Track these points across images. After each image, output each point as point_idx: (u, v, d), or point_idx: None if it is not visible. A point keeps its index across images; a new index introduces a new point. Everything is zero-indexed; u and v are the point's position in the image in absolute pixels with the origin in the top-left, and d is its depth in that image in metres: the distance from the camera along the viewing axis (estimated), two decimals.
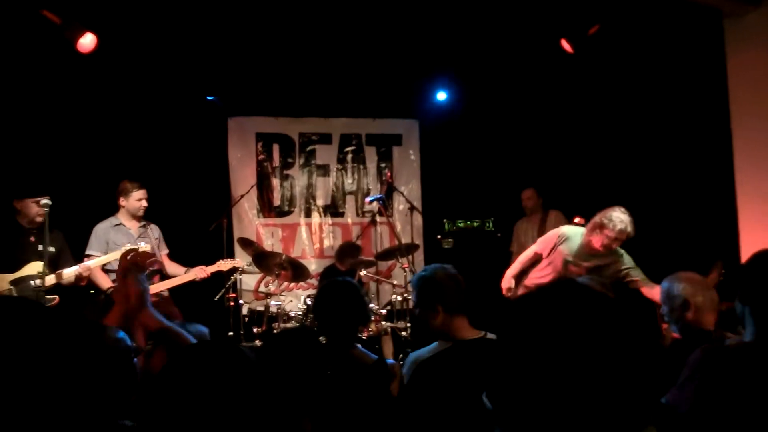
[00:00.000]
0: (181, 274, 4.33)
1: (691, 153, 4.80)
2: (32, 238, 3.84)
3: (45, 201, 3.63)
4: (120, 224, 4.34)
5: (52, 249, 3.85)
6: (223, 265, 4.44)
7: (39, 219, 3.81)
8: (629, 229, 3.51)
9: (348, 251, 5.21)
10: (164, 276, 4.41)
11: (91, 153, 5.11)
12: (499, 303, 4.29)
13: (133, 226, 4.38)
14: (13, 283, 3.75)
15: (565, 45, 4.71)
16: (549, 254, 3.87)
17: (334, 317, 2.31)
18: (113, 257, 4.03)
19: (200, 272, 4.31)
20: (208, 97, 5.62)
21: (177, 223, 5.13)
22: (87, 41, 4.33)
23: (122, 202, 4.33)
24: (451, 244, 5.63)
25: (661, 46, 4.74)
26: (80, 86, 4.96)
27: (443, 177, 6.05)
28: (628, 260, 3.73)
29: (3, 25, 4.21)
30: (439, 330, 2.21)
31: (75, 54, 4.33)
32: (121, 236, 4.29)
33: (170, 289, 4.37)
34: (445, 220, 5.79)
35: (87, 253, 4.19)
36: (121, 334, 1.73)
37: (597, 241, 3.58)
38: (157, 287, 4.21)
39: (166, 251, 4.55)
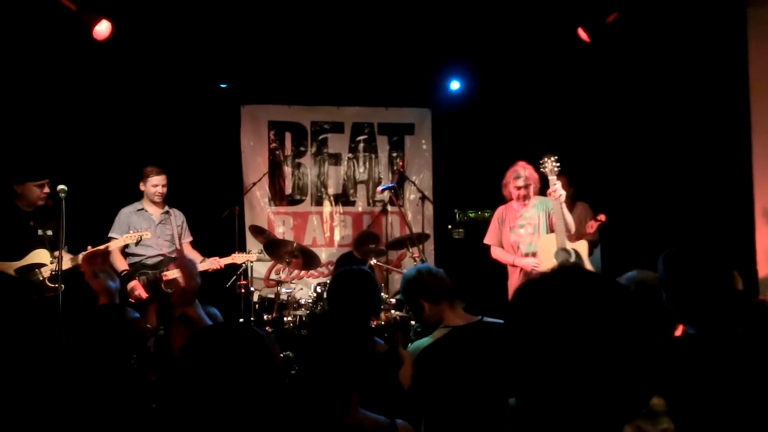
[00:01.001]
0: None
1: (711, 142, 4.72)
2: (31, 222, 3.85)
3: (61, 187, 3.65)
4: (142, 209, 4.43)
5: (49, 232, 3.93)
6: (237, 258, 4.47)
7: (40, 202, 3.85)
8: (525, 172, 4.04)
9: (365, 239, 5.25)
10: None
11: (104, 139, 5.16)
12: (506, 293, 4.27)
13: (155, 211, 4.45)
14: (19, 271, 3.77)
15: (582, 34, 4.63)
16: (502, 237, 4.23)
17: (346, 305, 2.33)
18: (117, 244, 4.13)
19: (214, 263, 4.35)
20: (222, 85, 5.62)
21: (189, 210, 5.15)
22: (102, 28, 4.35)
23: (141, 186, 4.42)
24: (462, 234, 5.60)
25: (682, 35, 4.65)
26: (94, 73, 4.99)
27: (455, 167, 6.01)
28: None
29: (20, 11, 4.24)
30: (432, 321, 2.37)
31: (90, 41, 4.36)
32: (142, 221, 4.37)
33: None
34: (456, 211, 5.75)
35: (109, 235, 4.29)
36: (136, 315, 1.76)
37: (515, 198, 4.12)
38: (171, 274, 4.26)
39: (189, 239, 4.60)
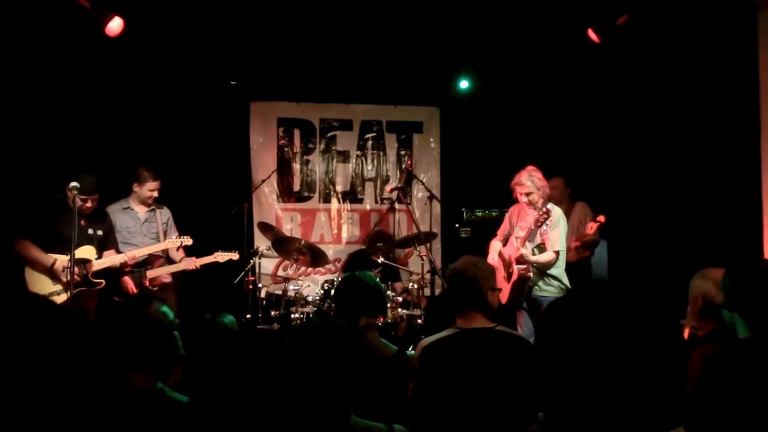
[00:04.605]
0: (177, 262, 4.44)
1: (719, 146, 4.71)
2: (82, 222, 4.03)
3: (73, 184, 3.78)
4: (128, 208, 4.50)
5: (99, 232, 4.16)
6: (220, 257, 4.46)
7: (82, 211, 3.98)
8: (527, 180, 4.07)
9: (376, 238, 5.28)
10: (170, 261, 4.53)
11: (115, 136, 5.20)
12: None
13: (141, 210, 4.53)
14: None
15: (592, 35, 4.63)
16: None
17: (349, 309, 2.37)
18: (159, 248, 4.34)
19: (190, 263, 4.37)
20: (232, 82, 5.65)
21: (198, 207, 5.22)
22: (115, 25, 4.39)
23: (135, 188, 4.47)
24: (469, 233, 5.63)
25: (692, 38, 4.63)
26: (105, 69, 5.03)
27: (463, 165, 6.03)
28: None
29: (35, 10, 4.29)
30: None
31: (102, 37, 4.39)
32: (128, 220, 4.46)
33: (194, 273, 4.48)
34: (463, 209, 5.78)
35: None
36: (164, 308, 1.81)
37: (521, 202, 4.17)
38: (153, 273, 4.34)
39: (175, 235, 4.61)
